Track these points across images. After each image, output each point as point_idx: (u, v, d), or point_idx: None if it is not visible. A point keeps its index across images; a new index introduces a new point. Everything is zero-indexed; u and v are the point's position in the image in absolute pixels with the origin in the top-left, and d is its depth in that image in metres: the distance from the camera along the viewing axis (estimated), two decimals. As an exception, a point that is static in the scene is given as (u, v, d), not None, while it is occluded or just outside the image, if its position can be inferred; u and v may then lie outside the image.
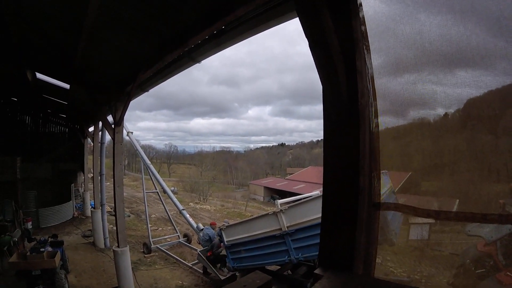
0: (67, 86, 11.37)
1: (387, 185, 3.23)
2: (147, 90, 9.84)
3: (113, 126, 9.82)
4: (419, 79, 2.26)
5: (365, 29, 2.33)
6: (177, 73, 7.99)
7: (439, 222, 2.25)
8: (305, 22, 2.35)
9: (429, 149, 2.47)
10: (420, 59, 2.25)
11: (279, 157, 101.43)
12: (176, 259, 13.69)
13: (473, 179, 2.13)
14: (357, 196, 2.28)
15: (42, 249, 9.18)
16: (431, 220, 2.30)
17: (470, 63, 2.02)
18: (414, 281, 2.40)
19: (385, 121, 2.48)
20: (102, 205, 14.76)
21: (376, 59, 2.41)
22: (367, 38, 2.35)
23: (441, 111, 2.25)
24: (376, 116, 2.42)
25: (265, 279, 1.80)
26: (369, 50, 2.37)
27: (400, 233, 3.02)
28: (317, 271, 2.27)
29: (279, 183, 50.15)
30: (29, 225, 13.69)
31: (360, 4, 2.33)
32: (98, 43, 6.51)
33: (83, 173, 21.42)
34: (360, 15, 2.32)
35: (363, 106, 2.30)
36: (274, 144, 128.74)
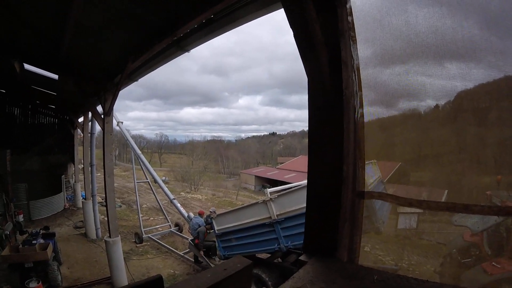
0: (55, 76, 11.15)
1: (376, 175, 3.27)
2: (137, 80, 9.72)
3: (102, 116, 9.74)
4: (407, 71, 2.27)
5: (352, 20, 2.31)
6: (166, 62, 7.91)
7: (428, 212, 2.30)
8: (289, 12, 2.33)
9: (419, 140, 2.51)
10: (407, 50, 2.27)
11: (270, 146, 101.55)
12: (168, 248, 13.78)
13: (461, 171, 2.18)
14: (341, 185, 2.30)
15: (34, 242, 9.14)
16: (419, 210, 2.35)
17: (458, 56, 2.04)
18: (401, 269, 2.46)
19: (374, 112, 2.49)
20: (93, 196, 14.68)
21: (364, 51, 2.40)
22: (354, 28, 2.33)
23: (431, 103, 2.27)
24: (362, 106, 2.41)
25: (245, 262, 1.82)
26: (355, 40, 2.35)
27: (389, 222, 3.07)
28: (302, 257, 2.30)
29: (270, 172, 50.34)
30: (21, 217, 13.59)
31: None
32: (85, 32, 6.37)
33: (74, 164, 21.20)
34: (347, 5, 2.30)
35: (347, 97, 2.29)
36: (265, 133, 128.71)
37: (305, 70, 2.43)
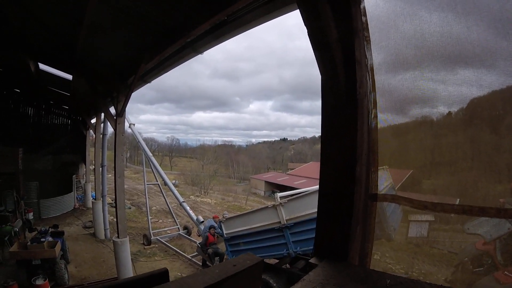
0: (69, 77, 11.35)
1: (388, 181, 3.22)
2: (149, 82, 9.83)
3: (115, 117, 9.82)
4: (420, 77, 2.24)
5: (366, 20, 2.31)
6: (179, 64, 7.98)
7: (439, 220, 2.26)
8: (304, 10, 2.31)
9: (431, 147, 2.46)
10: (420, 56, 2.24)
11: (281, 152, 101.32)
12: (176, 251, 13.79)
13: (474, 179, 2.13)
14: (354, 186, 2.26)
15: (42, 239, 9.25)
16: (430, 218, 2.30)
17: (472, 62, 2.00)
18: (411, 277, 2.41)
19: (386, 118, 2.47)
20: (103, 196, 14.81)
21: (377, 56, 2.39)
22: (368, 29, 2.33)
23: (443, 110, 2.24)
24: (375, 107, 2.40)
25: (255, 260, 1.79)
26: (369, 41, 2.35)
27: (400, 230, 3.02)
28: (312, 260, 2.27)
29: (280, 178, 50.13)
30: (30, 215, 13.75)
31: None
32: (100, 33, 6.49)
33: (85, 165, 21.46)
34: (361, 5, 2.29)
35: (361, 96, 2.28)
36: (276, 138, 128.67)
37: (319, 68, 2.41)
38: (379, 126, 2.44)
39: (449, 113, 2.22)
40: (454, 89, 2.08)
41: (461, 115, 2.16)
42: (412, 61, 2.28)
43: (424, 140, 2.52)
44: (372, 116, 2.40)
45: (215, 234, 11.54)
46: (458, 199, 2.09)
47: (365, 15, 2.31)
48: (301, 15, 2.35)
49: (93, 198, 16.79)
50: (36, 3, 6.17)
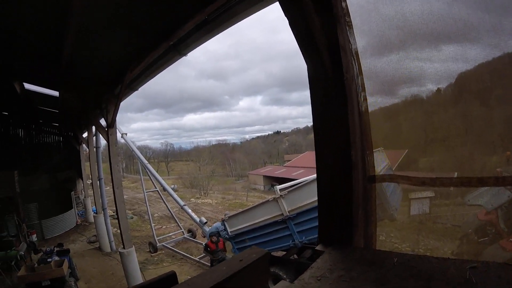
0: (56, 93, 11.24)
1: (384, 163, 3.26)
2: (137, 89, 9.77)
3: (106, 128, 9.80)
4: (405, 57, 2.27)
5: (346, 6, 2.32)
6: (164, 68, 7.93)
7: (439, 196, 2.29)
8: (284, 2, 2.34)
9: (424, 125, 2.50)
10: (403, 36, 2.26)
11: (276, 145, 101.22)
12: (183, 254, 13.80)
13: (469, 152, 2.16)
14: (351, 171, 2.28)
15: (49, 259, 9.23)
16: (430, 194, 2.34)
17: (455, 37, 2.03)
18: (418, 254, 2.45)
19: (376, 102, 2.50)
20: (104, 209, 14.75)
21: (360, 40, 2.41)
22: (349, 14, 2.34)
23: (432, 87, 2.27)
24: (364, 90, 2.43)
25: (261, 253, 1.82)
26: (351, 26, 2.36)
27: (401, 209, 3.06)
28: (318, 247, 2.29)
29: (278, 171, 50.13)
30: (34, 237, 13.70)
31: None
32: (82, 46, 6.41)
33: (82, 180, 21.37)
34: None
35: (349, 81, 2.29)
36: (270, 132, 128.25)
37: (304, 58, 2.43)
38: (370, 109, 2.47)
39: (438, 90, 2.25)
40: (441, 66, 2.11)
41: (450, 91, 2.19)
42: (396, 42, 2.30)
43: (416, 119, 2.55)
44: (362, 99, 2.42)
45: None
46: (456, 173, 2.12)
47: (344, 0, 2.32)
48: (281, 6, 2.36)
49: (94, 212, 16.71)
50: (18, 24, 6.08)
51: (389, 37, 2.30)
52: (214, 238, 10.78)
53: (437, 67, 2.13)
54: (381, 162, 3.04)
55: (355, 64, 2.39)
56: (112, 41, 6.39)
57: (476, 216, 2.70)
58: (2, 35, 6.42)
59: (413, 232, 2.79)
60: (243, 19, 5.05)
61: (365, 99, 2.44)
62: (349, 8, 2.33)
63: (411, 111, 2.54)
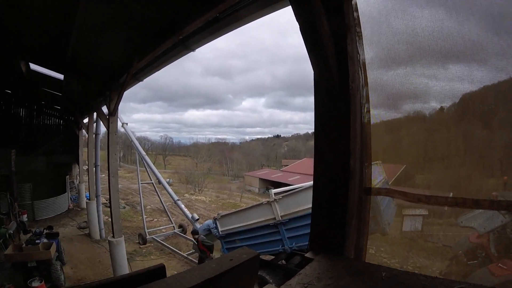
0: (61, 76, 11.24)
1: (381, 176, 3.25)
2: (142, 80, 9.75)
3: (107, 116, 9.82)
4: (412, 72, 2.26)
5: (357, 16, 2.32)
6: (171, 62, 7.91)
7: (432, 214, 2.29)
8: (296, 6, 2.32)
9: (424, 142, 2.49)
10: (410, 52, 2.26)
11: (275, 148, 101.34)
12: (171, 249, 13.79)
13: (467, 173, 2.15)
14: (348, 181, 2.28)
15: (37, 241, 9.18)
16: (424, 212, 2.33)
17: (463, 57, 2.03)
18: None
19: (379, 114, 2.48)
20: (97, 196, 14.74)
21: (369, 51, 2.40)
22: (359, 24, 2.34)
23: (436, 105, 2.26)
24: (368, 101, 2.42)
25: (252, 254, 1.80)
26: (361, 36, 2.36)
27: (394, 224, 3.05)
28: (308, 254, 2.28)
29: (275, 175, 50.16)
30: (25, 217, 13.64)
31: None
32: (91, 31, 6.42)
33: (78, 165, 21.34)
34: (353, 1, 2.30)
35: (354, 91, 2.29)
36: (270, 135, 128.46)
37: (311, 64, 2.42)
38: (372, 121, 2.45)
39: (441, 108, 2.24)
40: (446, 84, 2.10)
41: (453, 110, 2.18)
42: (404, 56, 2.29)
43: (416, 135, 2.54)
44: (365, 111, 2.42)
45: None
46: (452, 193, 2.11)
47: (356, 10, 2.32)
48: (293, 11, 2.35)
49: (87, 199, 16.69)
50: (27, 3, 6.09)
51: (398, 51, 2.29)
52: (195, 236, 10.78)
53: (443, 85, 2.12)
54: (378, 175, 3.03)
55: (362, 75, 2.39)
56: (120, 29, 6.40)
57: (467, 238, 2.70)
58: (12, 14, 6.43)
59: (403, 249, 2.79)
60: (255, 19, 5.04)
61: (368, 111, 2.43)
62: (360, 18, 2.34)
63: (413, 127, 2.53)
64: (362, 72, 2.40)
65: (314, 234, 2.52)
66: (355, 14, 2.31)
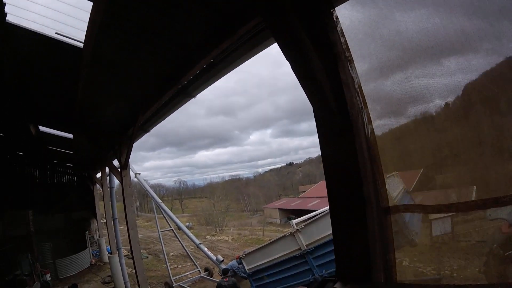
0: (70, 135, 11.55)
1: (400, 187, 3.18)
2: (148, 131, 9.93)
3: (119, 169, 9.98)
4: (409, 76, 2.27)
5: (345, 41, 2.36)
6: (175, 110, 8.06)
7: (460, 213, 2.19)
8: (283, 45, 2.38)
9: (436, 142, 2.45)
10: (404, 57, 2.28)
11: (289, 176, 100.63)
12: (200, 295, 13.40)
13: (485, 163, 2.09)
14: (365, 205, 2.25)
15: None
16: (451, 212, 2.24)
17: (456, 49, 2.04)
18: (445, 277, 2.32)
19: (384, 125, 2.49)
20: (118, 249, 14.61)
21: (361, 67, 2.43)
22: (348, 48, 2.37)
23: (440, 102, 2.24)
24: (370, 123, 2.42)
25: None
26: (352, 60, 2.39)
27: (423, 231, 2.93)
28: (337, 285, 2.23)
29: (293, 203, 49.45)
30: (48, 277, 13.64)
31: (337, 17, 2.38)
32: (95, 92, 6.72)
33: (96, 220, 21.42)
34: (338, 28, 2.35)
35: (354, 116, 2.30)
36: (282, 164, 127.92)
37: (309, 99, 2.45)
38: (380, 132, 2.46)
39: (447, 104, 2.22)
40: (446, 80, 2.10)
41: (458, 103, 2.16)
42: (398, 62, 2.31)
43: (428, 137, 2.51)
44: (370, 132, 2.42)
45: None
46: (475, 187, 2.05)
47: (343, 35, 2.37)
48: (282, 52, 2.41)
49: (108, 252, 16.61)
50: (35, 70, 6.41)
51: (390, 58, 2.32)
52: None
53: (442, 81, 2.12)
54: (397, 187, 2.97)
55: (359, 98, 2.41)
56: (124, 87, 6.69)
57: (500, 230, 2.56)
58: (20, 81, 6.75)
59: (437, 254, 2.66)
60: (248, 59, 5.15)
61: (373, 132, 2.43)
62: (348, 41, 2.38)
63: (422, 129, 2.50)
64: (360, 95, 2.42)
65: (340, 263, 2.48)
66: (342, 39, 2.35)
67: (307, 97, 2.44)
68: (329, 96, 2.28)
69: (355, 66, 2.37)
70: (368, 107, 2.46)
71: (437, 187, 2.53)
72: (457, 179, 2.36)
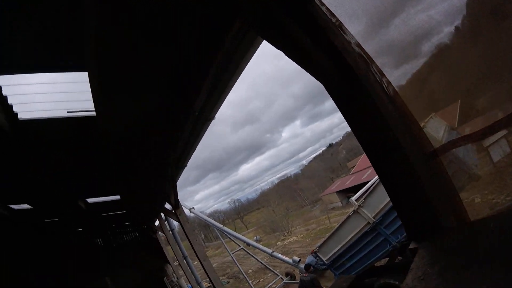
0: (117, 197, 12.08)
1: (443, 127, 3.04)
2: (185, 165, 10.17)
3: (173, 211, 10.39)
4: (408, 16, 2.18)
5: (327, 8, 2.28)
6: (201, 137, 8.17)
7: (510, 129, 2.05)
8: (271, 39, 2.41)
9: (463, 68, 2.33)
10: (394, 0, 2.21)
11: (334, 158, 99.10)
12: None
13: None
14: (407, 156, 2.15)
15: None
16: (503, 132, 2.10)
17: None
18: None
19: (404, 73, 2.41)
20: (199, 284, 15.01)
21: (357, 28, 2.35)
22: (333, 14, 2.30)
23: (450, 28, 2.14)
24: (384, 75, 2.34)
25: (349, 280, 1.78)
26: (342, 24, 2.31)
27: (483, 161, 2.78)
28: (411, 246, 2.14)
29: (348, 181, 48.50)
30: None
31: None
32: (127, 147, 7.00)
33: (169, 264, 22.10)
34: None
35: (364, 75, 2.23)
36: (323, 148, 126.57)
37: (317, 79, 2.42)
38: (404, 81, 2.39)
39: (456, 28, 2.11)
40: (445, 6, 2.01)
41: (467, 22, 2.04)
42: (392, 8, 2.24)
43: (453, 66, 2.39)
44: (386, 84, 2.34)
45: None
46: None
47: (323, 4, 2.29)
48: (271, 44, 2.43)
49: (190, 289, 17.10)
50: (62, 152, 6.81)
51: (383, 7, 2.24)
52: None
53: (443, 8, 2.02)
54: (439, 127, 2.85)
55: (364, 55, 2.34)
56: (149, 132, 6.90)
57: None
58: (56, 166, 7.18)
59: (506, 179, 2.50)
60: (246, 63, 5.13)
61: (389, 83, 2.35)
62: (330, 7, 2.30)
63: (444, 61, 2.39)
64: (362, 52, 2.34)
65: (406, 223, 2.40)
66: (323, 8, 2.28)
67: (314, 76, 2.41)
68: (331, 67, 2.24)
69: (347, 28, 2.29)
70: (378, 61, 2.37)
71: (482, 111, 2.39)
72: (499, 96, 2.21)
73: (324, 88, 2.45)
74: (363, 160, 51.97)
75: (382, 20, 2.30)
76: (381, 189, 7.91)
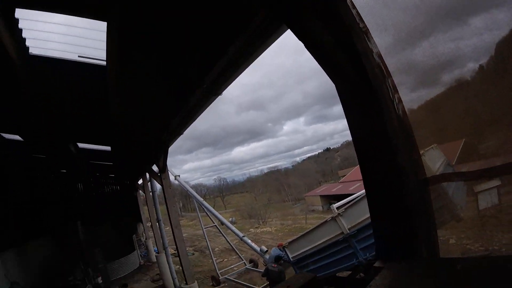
0: (108, 148, 12.10)
1: (441, 159, 3.02)
2: (182, 133, 10.10)
3: (159, 174, 10.46)
4: (437, 41, 2.13)
5: (357, 12, 2.22)
6: (204, 110, 8.08)
7: (507, 182, 2.04)
8: (296, 31, 2.32)
9: (476, 108, 2.29)
10: (428, 21, 2.14)
11: (328, 162, 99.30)
12: (246, 285, 13.67)
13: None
14: (400, 178, 2.12)
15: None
16: (497, 183, 2.08)
17: (481, 6, 1.88)
18: (494, 252, 2.16)
19: (418, 97, 2.37)
20: (165, 248, 15.15)
21: (385, 39, 2.30)
22: (362, 19, 2.24)
23: (474, 65, 2.10)
24: (396, 91, 2.28)
25: (308, 277, 1.82)
26: (368, 31, 2.25)
27: (469, 205, 2.78)
28: (376, 264, 2.11)
29: (334, 188, 48.80)
30: (99, 280, 14.43)
31: None
32: (125, 103, 7.04)
33: (142, 223, 22.36)
34: (348, 1, 2.21)
35: (378, 87, 2.18)
36: (319, 151, 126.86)
37: (329, 77, 2.37)
38: (415, 105, 2.34)
39: (481, 66, 2.07)
40: (475, 40, 1.96)
41: (493, 64, 1.99)
42: (422, 28, 2.18)
43: (466, 103, 2.35)
44: (397, 101, 2.28)
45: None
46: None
47: (354, 7, 2.23)
48: (294, 33, 2.36)
49: (156, 252, 17.31)
50: (66, 93, 6.86)
51: (413, 26, 2.18)
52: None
53: (472, 42, 1.97)
54: (437, 159, 2.82)
55: (383, 67, 2.28)
56: (150, 95, 6.89)
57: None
58: (55, 105, 7.16)
59: (485, 229, 2.49)
60: (264, 50, 5.06)
61: (400, 100, 2.29)
62: (361, 13, 2.24)
63: (459, 96, 2.35)
64: (382, 64, 2.29)
65: (379, 241, 2.39)
66: (353, 11, 2.22)
67: (328, 75, 2.36)
68: (349, 70, 2.18)
69: (372, 37, 2.24)
70: (396, 77, 2.32)
71: (482, 157, 2.37)
72: (502, 146, 2.19)
73: (335, 90, 2.41)
74: (354, 172, 52.18)
75: (410, 38, 2.25)
76: (364, 205, 7.93)
